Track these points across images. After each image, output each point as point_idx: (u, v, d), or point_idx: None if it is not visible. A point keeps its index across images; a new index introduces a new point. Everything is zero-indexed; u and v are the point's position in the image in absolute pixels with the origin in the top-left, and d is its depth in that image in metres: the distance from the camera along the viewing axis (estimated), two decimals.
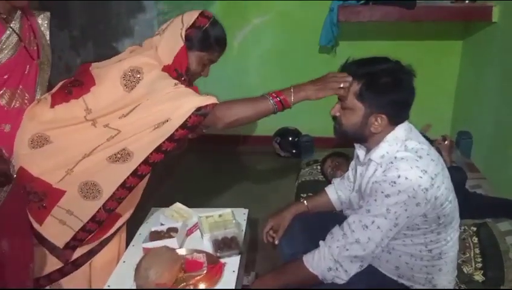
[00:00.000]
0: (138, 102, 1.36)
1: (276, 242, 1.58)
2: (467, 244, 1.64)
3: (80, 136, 1.40)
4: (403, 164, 1.23)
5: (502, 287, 1.52)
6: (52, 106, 1.42)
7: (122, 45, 3.41)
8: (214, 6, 3.27)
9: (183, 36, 1.43)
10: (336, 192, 1.64)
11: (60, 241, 1.49)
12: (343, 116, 1.34)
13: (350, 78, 1.29)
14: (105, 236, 1.55)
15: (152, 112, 1.35)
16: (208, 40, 1.46)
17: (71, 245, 1.51)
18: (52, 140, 1.41)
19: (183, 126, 1.35)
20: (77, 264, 1.55)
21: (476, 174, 2.34)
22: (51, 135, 1.41)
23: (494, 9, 2.58)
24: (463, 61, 3.13)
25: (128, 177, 1.41)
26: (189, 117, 1.34)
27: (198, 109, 1.34)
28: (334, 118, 1.37)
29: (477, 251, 1.64)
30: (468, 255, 1.62)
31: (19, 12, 1.48)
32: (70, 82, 1.47)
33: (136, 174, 1.41)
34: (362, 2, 2.76)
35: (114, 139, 1.37)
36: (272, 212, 1.65)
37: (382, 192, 1.23)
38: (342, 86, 1.29)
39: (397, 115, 1.30)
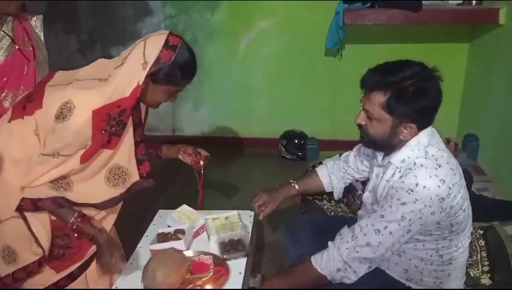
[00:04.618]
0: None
1: (261, 218, 1.62)
2: (474, 248, 1.64)
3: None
4: (422, 172, 1.21)
5: None
6: (9, 120, 1.32)
7: None
8: (220, 9, 3.29)
9: (144, 75, 1.24)
10: (329, 176, 1.64)
11: None
12: (369, 126, 1.27)
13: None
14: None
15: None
16: (174, 75, 1.29)
17: None
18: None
19: None
20: (73, 277, 1.47)
21: (483, 176, 2.33)
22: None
23: (501, 11, 2.56)
24: (469, 63, 3.11)
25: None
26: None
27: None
28: (360, 126, 1.31)
29: (484, 254, 1.63)
30: (475, 258, 1.62)
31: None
32: (28, 95, 1.36)
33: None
34: (368, 5, 2.76)
35: None
36: (265, 188, 1.67)
37: (398, 199, 1.22)
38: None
39: (426, 121, 1.27)
